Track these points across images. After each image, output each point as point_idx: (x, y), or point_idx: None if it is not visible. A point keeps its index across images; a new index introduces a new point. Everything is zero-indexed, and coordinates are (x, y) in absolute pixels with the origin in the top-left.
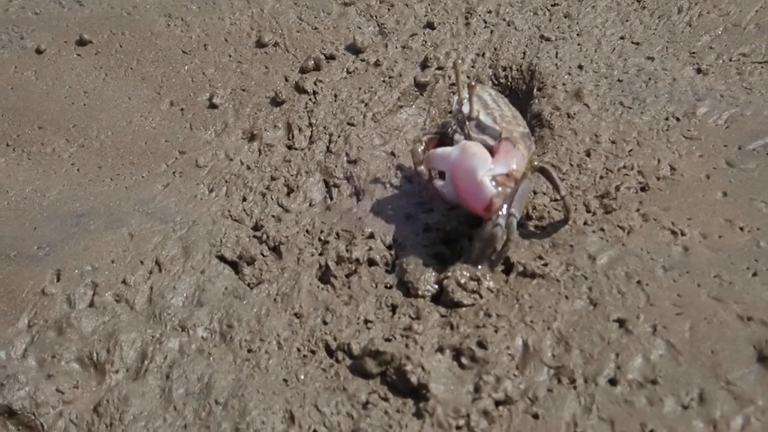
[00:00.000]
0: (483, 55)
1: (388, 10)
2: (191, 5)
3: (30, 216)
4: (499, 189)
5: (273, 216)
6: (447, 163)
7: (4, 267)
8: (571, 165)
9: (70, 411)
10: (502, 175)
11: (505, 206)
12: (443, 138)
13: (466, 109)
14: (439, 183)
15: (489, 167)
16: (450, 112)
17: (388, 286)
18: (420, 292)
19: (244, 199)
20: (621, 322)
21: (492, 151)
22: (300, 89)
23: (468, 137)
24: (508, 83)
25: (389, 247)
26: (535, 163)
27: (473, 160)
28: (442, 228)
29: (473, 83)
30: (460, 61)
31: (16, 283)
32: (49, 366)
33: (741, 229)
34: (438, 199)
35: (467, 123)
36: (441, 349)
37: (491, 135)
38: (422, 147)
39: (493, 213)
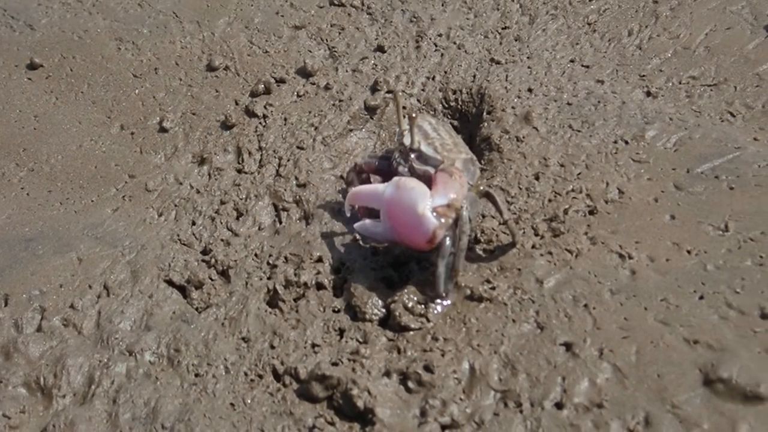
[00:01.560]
0: (433, 78)
1: (339, 33)
2: (142, 29)
3: None
4: (441, 220)
5: (222, 240)
6: (380, 200)
7: None
8: (520, 188)
9: None
10: (442, 206)
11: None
12: (381, 165)
13: (407, 141)
14: (368, 222)
15: (428, 200)
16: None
17: (336, 310)
18: (367, 316)
19: (194, 223)
20: (568, 346)
21: (430, 183)
22: (250, 113)
23: (411, 169)
24: (458, 106)
25: (337, 271)
26: (481, 188)
27: (411, 195)
28: (390, 252)
29: (413, 114)
30: (401, 93)
31: None
32: None
33: (688, 252)
34: (369, 237)
35: (410, 155)
36: (388, 373)
37: (433, 165)
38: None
39: (436, 244)
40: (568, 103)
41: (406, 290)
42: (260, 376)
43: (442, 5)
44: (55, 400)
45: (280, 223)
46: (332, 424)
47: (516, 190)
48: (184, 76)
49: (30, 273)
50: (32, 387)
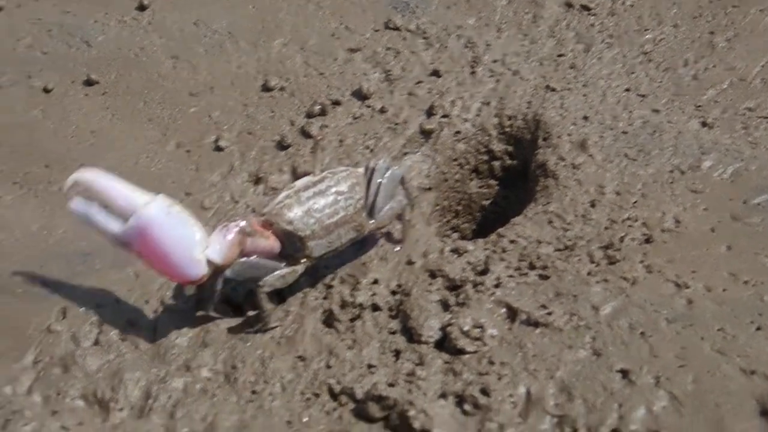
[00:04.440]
0: (488, 103)
1: (394, 57)
2: (198, 48)
3: (36, 254)
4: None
5: None
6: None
7: (10, 303)
8: (576, 215)
9: None
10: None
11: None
12: None
13: None
14: (98, 212)
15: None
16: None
17: (392, 331)
18: (423, 338)
19: None
20: (624, 373)
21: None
22: (306, 134)
23: None
24: (513, 132)
25: (393, 293)
26: None
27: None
28: (447, 275)
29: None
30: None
31: (23, 319)
32: (54, 402)
33: (745, 283)
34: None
35: None
36: (444, 395)
37: None
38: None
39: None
40: (624, 132)
41: (462, 313)
42: (316, 395)
43: (497, 31)
44: (112, 413)
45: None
46: None
47: (572, 217)
48: (240, 95)
49: (88, 287)
50: (90, 400)
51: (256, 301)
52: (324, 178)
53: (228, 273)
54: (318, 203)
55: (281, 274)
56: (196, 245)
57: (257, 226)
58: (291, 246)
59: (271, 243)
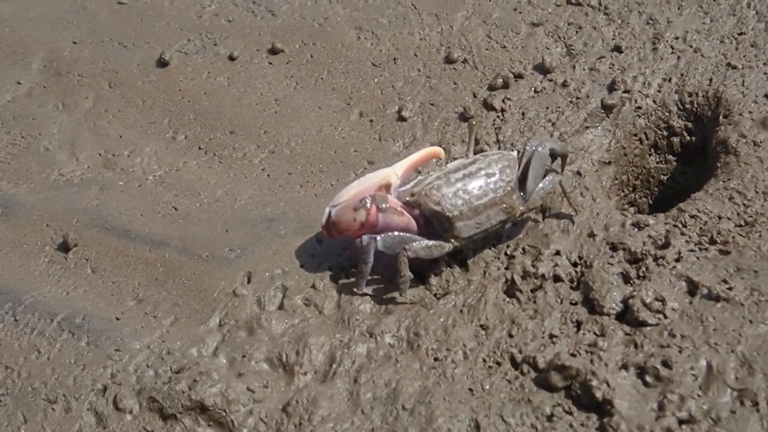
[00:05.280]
0: (669, 80)
1: (576, 32)
2: (382, 19)
3: (221, 218)
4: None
5: None
6: None
7: (196, 267)
8: (756, 192)
9: (260, 409)
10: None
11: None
12: None
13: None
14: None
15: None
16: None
17: (573, 302)
18: (605, 310)
19: None
20: None
21: None
22: (488, 106)
23: None
24: (694, 109)
25: (574, 264)
26: None
27: None
28: (628, 248)
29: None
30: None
31: (208, 283)
32: (239, 365)
33: None
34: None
35: None
36: (625, 367)
37: None
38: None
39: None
40: None
41: (644, 286)
42: (498, 363)
43: (678, 9)
44: (297, 376)
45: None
46: (570, 413)
47: (752, 194)
48: (423, 67)
49: (272, 252)
50: (274, 363)
51: (396, 264)
52: (476, 160)
53: (379, 245)
54: (467, 185)
55: (428, 244)
56: (331, 199)
57: (392, 202)
58: (440, 226)
59: (406, 220)
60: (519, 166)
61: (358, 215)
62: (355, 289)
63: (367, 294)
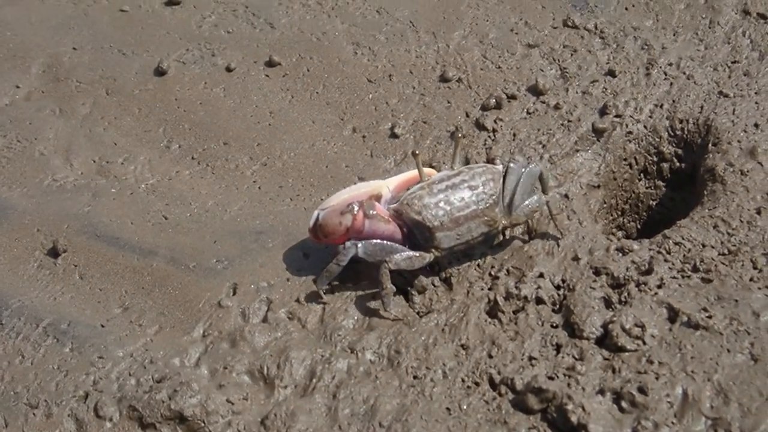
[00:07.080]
0: (661, 106)
1: (571, 55)
2: (379, 35)
3: (211, 229)
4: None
5: None
6: None
7: (183, 277)
8: (741, 221)
9: (239, 421)
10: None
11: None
12: None
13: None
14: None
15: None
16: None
17: (554, 325)
18: (585, 334)
19: None
20: None
21: None
22: (480, 126)
23: None
24: (684, 136)
25: (557, 287)
26: None
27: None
28: (611, 273)
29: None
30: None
31: (194, 293)
32: (220, 376)
33: None
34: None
35: None
36: (602, 392)
37: None
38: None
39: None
40: None
41: (624, 311)
42: (477, 384)
43: (674, 35)
44: (276, 390)
45: (504, 236)
46: None
47: (737, 223)
48: (417, 84)
49: (259, 264)
50: (255, 375)
51: (378, 277)
52: (460, 172)
53: (359, 252)
54: (450, 196)
55: (409, 255)
56: (321, 203)
57: (380, 210)
58: (421, 236)
59: (391, 228)
60: (503, 181)
61: (344, 219)
62: (314, 282)
63: (321, 293)
